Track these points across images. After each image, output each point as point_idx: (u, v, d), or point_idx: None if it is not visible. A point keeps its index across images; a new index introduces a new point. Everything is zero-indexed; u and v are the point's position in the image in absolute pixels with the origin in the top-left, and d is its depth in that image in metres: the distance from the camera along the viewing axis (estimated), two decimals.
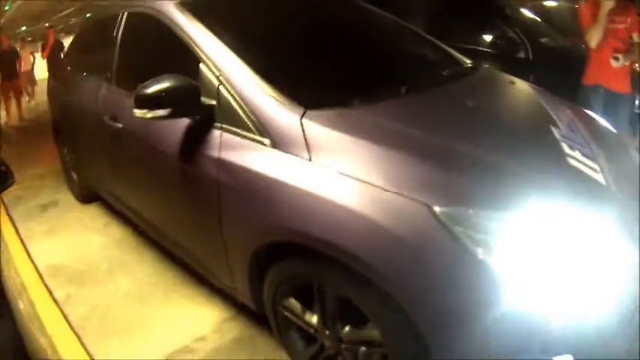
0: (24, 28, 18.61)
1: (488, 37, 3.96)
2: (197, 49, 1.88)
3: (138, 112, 1.74)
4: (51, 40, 8.55)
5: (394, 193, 1.32)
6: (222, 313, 2.22)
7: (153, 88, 1.71)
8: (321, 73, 1.86)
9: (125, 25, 2.55)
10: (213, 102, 1.77)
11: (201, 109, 1.78)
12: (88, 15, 4.03)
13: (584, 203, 1.41)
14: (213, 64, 1.80)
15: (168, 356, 2.02)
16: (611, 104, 3.30)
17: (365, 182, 1.37)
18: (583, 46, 3.45)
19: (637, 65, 3.42)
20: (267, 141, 1.60)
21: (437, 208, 1.27)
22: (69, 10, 16.87)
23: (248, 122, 1.66)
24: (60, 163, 3.82)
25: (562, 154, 1.59)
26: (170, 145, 1.93)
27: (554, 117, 1.86)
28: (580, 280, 1.29)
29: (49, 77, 3.97)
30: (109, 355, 2.06)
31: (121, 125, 2.32)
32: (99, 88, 2.64)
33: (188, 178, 1.91)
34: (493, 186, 1.37)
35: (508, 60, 3.58)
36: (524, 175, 1.43)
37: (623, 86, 3.35)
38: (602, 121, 2.12)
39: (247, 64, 1.76)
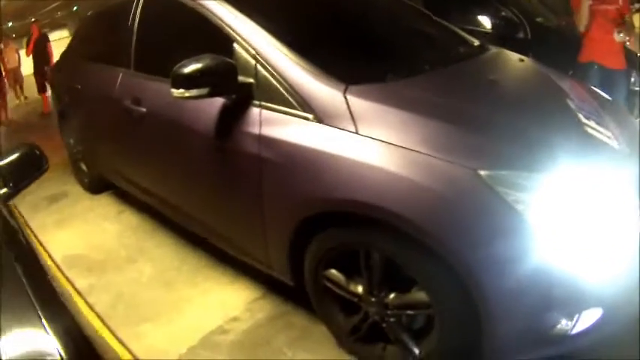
0: (10, 24, 18.23)
1: (486, 18, 4.10)
2: (230, 29, 1.93)
3: (176, 92, 1.78)
4: (35, 34, 8.38)
5: (442, 159, 1.41)
6: (251, 293, 2.27)
7: (190, 68, 1.75)
8: (356, 51, 1.95)
9: (142, 11, 2.57)
10: (251, 80, 1.82)
11: (239, 88, 1.83)
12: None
13: (604, 165, 1.56)
14: (249, 43, 1.85)
15: (204, 338, 2.06)
16: (606, 81, 3.47)
17: (413, 150, 1.45)
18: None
19: (628, 43, 3.61)
20: (310, 116, 1.66)
21: (482, 172, 1.38)
22: (55, 4, 16.62)
23: (290, 98, 1.72)
24: (67, 154, 3.80)
25: (580, 123, 1.74)
26: (205, 125, 1.97)
27: (567, 90, 1.99)
28: (605, 235, 1.42)
29: (54, 69, 3.91)
30: (143, 342, 2.07)
31: (144, 109, 2.34)
32: (116, 74, 2.66)
33: (225, 156, 1.95)
34: (528, 150, 1.49)
35: (508, 40, 3.70)
36: (551, 140, 1.56)
37: (618, 63, 3.54)
38: (601, 93, 2.27)
39: (283, 43, 1.82)
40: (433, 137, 1.49)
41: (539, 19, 4.06)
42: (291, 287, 2.04)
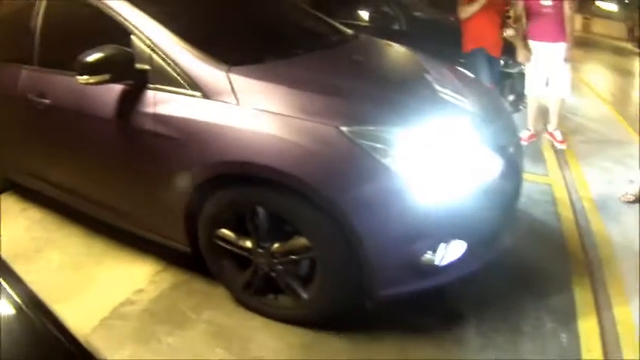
0: None
1: (365, 13, 4.75)
2: (127, 23, 2.20)
3: (81, 79, 2.03)
4: None
5: (310, 120, 1.78)
6: (154, 267, 2.53)
7: (93, 57, 2.01)
8: (239, 38, 2.35)
9: (45, 10, 2.75)
10: (147, 67, 2.10)
11: (136, 74, 2.11)
12: None
13: (455, 121, 2.01)
14: (144, 34, 2.14)
15: (114, 310, 2.27)
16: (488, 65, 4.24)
17: (285, 115, 1.81)
18: (452, 18, 4.31)
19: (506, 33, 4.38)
20: (198, 94, 1.98)
21: (344, 128, 1.76)
22: None
23: (180, 80, 2.03)
24: None
25: (435, 90, 2.19)
26: (106, 110, 2.21)
27: (426, 66, 2.50)
28: (458, 177, 1.86)
29: None
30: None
31: (48, 101, 2.52)
32: (20, 71, 2.79)
33: (125, 137, 2.21)
34: (386, 110, 1.91)
35: (384, 32, 4.28)
36: (408, 102, 2.02)
37: (497, 51, 4.32)
38: (464, 71, 2.82)
39: (174, 33, 2.13)
40: (303, 104, 1.86)
41: (416, 13, 4.73)
42: (191, 259, 2.33)
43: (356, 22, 4.53)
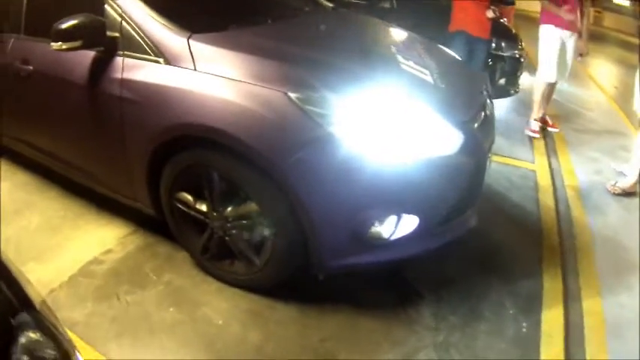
0: None
1: None
2: None
3: (55, 45, 2.18)
4: None
5: (260, 86, 1.88)
6: (124, 230, 2.69)
7: (67, 24, 2.16)
8: (204, 6, 2.46)
9: None
10: (117, 34, 2.24)
11: (107, 41, 2.24)
12: None
13: (410, 91, 2.10)
14: (116, 3, 2.27)
15: (82, 268, 2.43)
16: (472, 47, 4.34)
17: (237, 80, 1.91)
18: None
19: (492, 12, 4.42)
20: (161, 60, 2.10)
21: (292, 94, 1.85)
22: None
23: (146, 47, 2.15)
24: None
25: (395, 61, 2.29)
26: (80, 75, 2.35)
27: (395, 39, 2.57)
28: (408, 148, 1.92)
29: None
30: (30, 277, 2.36)
31: (31, 67, 2.69)
32: (9, 40, 2.98)
33: (95, 102, 2.35)
34: (334, 78, 1.99)
35: (374, 9, 4.40)
36: (363, 71, 2.10)
37: (483, 33, 4.39)
38: (445, 49, 2.89)
39: (144, 2, 2.25)
40: (256, 70, 1.96)
41: None
42: (158, 223, 2.47)
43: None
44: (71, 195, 3.00)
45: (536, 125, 4.72)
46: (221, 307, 2.20)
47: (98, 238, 2.62)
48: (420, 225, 2.02)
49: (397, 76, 2.21)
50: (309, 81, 1.93)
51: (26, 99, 2.89)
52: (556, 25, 4.40)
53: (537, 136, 4.67)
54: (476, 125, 2.24)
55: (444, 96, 2.18)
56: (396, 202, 1.95)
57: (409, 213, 1.99)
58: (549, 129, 4.78)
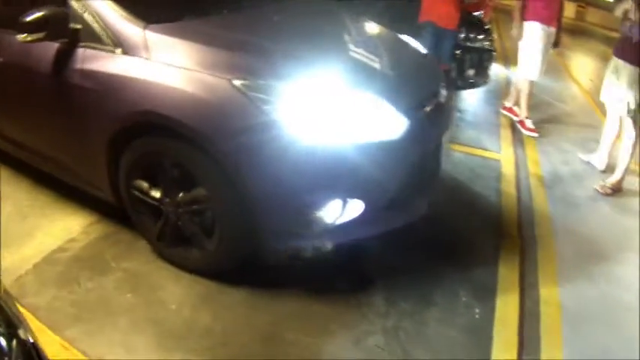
0: None
1: None
2: None
3: (20, 37, 2.29)
4: None
5: (207, 74, 1.99)
6: (89, 219, 2.79)
7: (32, 16, 2.26)
8: None
9: None
10: (79, 26, 2.35)
11: (70, 33, 2.35)
12: None
13: (356, 78, 2.20)
14: None
15: (46, 256, 2.52)
16: (439, 38, 4.44)
17: (186, 69, 2.02)
18: None
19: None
20: (119, 50, 2.21)
21: (236, 81, 1.96)
22: None
23: (105, 38, 2.25)
24: None
25: (345, 49, 2.41)
26: (45, 67, 2.46)
27: (349, 27, 2.72)
28: (350, 132, 2.02)
29: None
30: None
31: (1, 59, 2.81)
32: None
33: (59, 92, 2.45)
34: (279, 66, 2.09)
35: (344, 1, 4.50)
36: (305, 59, 2.19)
37: (451, 23, 4.47)
38: (406, 39, 2.99)
39: None
40: (204, 58, 2.07)
41: None
42: (122, 213, 2.57)
43: None
44: (41, 185, 3.11)
45: (530, 123, 4.79)
46: (175, 291, 2.29)
47: (63, 227, 2.72)
48: (365, 210, 2.11)
49: (344, 63, 2.30)
50: (254, 68, 2.04)
51: None
52: (541, 22, 4.47)
53: (536, 135, 4.71)
54: (424, 113, 2.34)
55: (390, 83, 2.27)
56: (338, 185, 2.04)
57: (353, 197, 2.09)
58: (525, 132, 4.83)
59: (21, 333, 1.16)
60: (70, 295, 2.29)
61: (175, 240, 2.34)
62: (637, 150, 3.75)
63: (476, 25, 5.02)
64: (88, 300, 2.26)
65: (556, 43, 4.63)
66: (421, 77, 2.62)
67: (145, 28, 2.19)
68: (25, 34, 2.27)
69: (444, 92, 2.63)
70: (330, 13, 3.10)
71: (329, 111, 2.00)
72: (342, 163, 2.01)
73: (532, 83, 4.72)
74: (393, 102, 2.15)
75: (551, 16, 4.48)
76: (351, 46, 2.49)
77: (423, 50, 3.03)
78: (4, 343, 1.11)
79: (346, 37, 2.61)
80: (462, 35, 4.78)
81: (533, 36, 4.53)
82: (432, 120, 2.38)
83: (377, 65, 2.40)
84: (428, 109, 2.37)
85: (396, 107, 2.15)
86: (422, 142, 2.27)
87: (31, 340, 1.17)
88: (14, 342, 1.12)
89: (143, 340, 2.05)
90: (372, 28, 2.98)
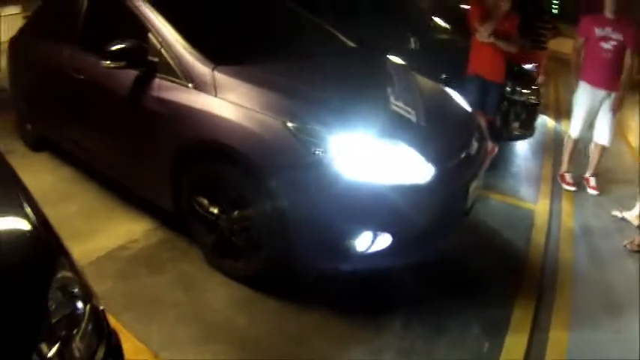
0: None
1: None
2: (147, 23, 2.99)
3: (104, 63, 2.84)
4: None
5: (265, 114, 2.46)
6: (150, 224, 3.31)
7: (116, 46, 2.80)
8: (229, 43, 3.08)
9: (88, 3, 3.65)
10: (156, 59, 2.88)
11: (148, 64, 2.88)
12: None
13: (391, 128, 2.62)
14: (158, 33, 2.92)
15: (109, 252, 3.03)
16: (485, 91, 4.75)
17: (247, 108, 2.50)
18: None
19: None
20: (191, 85, 2.72)
21: (289, 124, 2.42)
22: None
23: (179, 73, 2.77)
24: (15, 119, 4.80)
25: (387, 101, 2.87)
26: (122, 90, 2.99)
27: (394, 80, 3.17)
28: (382, 176, 2.43)
29: (11, 43, 4.81)
30: None
31: (82, 76, 3.40)
32: (62, 50, 3.66)
33: (133, 113, 2.99)
34: (327, 114, 2.52)
35: (399, 49, 4.94)
36: (350, 109, 2.63)
37: (498, 77, 4.80)
38: (448, 91, 3.44)
39: (180, 35, 2.88)
40: (263, 100, 2.53)
41: (440, 36, 5.49)
42: (179, 222, 3.06)
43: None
44: (108, 190, 3.65)
45: (570, 177, 4.91)
46: (221, 296, 2.74)
47: (127, 229, 3.23)
48: (392, 242, 2.50)
49: (384, 113, 2.72)
50: (304, 113, 2.48)
51: (76, 103, 3.60)
52: (589, 83, 4.57)
53: (573, 189, 4.83)
54: (453, 162, 2.74)
55: (421, 134, 2.69)
56: (370, 219, 2.45)
57: (383, 231, 2.48)
58: (589, 190, 4.88)
59: (94, 300, 1.35)
60: (126, 287, 2.76)
61: (226, 251, 2.81)
62: None
63: (520, 77, 5.26)
64: (142, 293, 2.73)
65: (615, 109, 4.62)
66: (453, 130, 3.00)
67: (213, 69, 2.69)
68: (109, 62, 2.83)
69: (475, 144, 2.99)
70: (381, 64, 3.56)
71: (366, 156, 2.41)
72: (374, 200, 2.41)
73: (575, 140, 4.87)
74: (422, 151, 2.53)
75: (602, 79, 4.50)
76: (392, 98, 2.94)
77: (463, 103, 3.40)
78: (80, 305, 1.29)
79: (389, 89, 3.07)
80: (508, 89, 5.08)
81: (580, 95, 4.70)
82: (460, 169, 2.76)
83: (413, 117, 2.82)
84: (457, 158, 2.77)
85: (424, 156, 2.52)
86: (448, 187, 2.64)
87: (101, 308, 1.37)
88: (88, 307, 1.30)
89: (187, 331, 2.47)
90: (416, 80, 3.39)
